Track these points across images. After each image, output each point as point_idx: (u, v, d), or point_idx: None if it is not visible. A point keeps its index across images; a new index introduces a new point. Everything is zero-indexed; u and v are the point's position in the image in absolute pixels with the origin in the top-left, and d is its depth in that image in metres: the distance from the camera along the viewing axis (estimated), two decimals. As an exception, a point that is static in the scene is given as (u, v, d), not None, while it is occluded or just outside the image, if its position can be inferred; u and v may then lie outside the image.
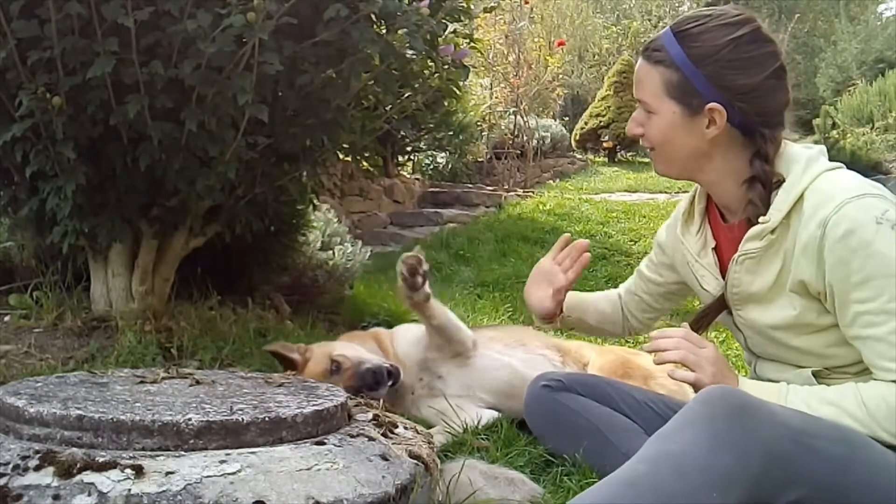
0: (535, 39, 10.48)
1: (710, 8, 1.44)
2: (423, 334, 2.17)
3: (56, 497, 1.07)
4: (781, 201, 1.36)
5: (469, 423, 1.99)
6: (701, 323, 1.60)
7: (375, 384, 1.96)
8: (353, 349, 2.10)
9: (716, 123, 1.39)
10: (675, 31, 1.41)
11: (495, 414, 2.07)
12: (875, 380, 1.30)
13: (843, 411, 1.28)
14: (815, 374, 1.41)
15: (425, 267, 1.98)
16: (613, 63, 12.82)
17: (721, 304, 1.55)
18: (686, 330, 1.44)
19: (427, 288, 2.02)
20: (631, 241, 5.69)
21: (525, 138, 9.35)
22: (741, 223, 1.45)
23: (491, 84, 9.74)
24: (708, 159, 1.44)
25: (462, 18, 2.33)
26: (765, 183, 1.40)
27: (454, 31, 2.36)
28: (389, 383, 1.99)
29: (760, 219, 1.39)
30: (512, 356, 2.20)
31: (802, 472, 1.12)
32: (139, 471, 1.10)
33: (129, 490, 1.07)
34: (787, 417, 1.19)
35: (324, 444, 1.29)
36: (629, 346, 3.07)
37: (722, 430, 1.09)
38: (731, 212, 1.51)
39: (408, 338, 2.22)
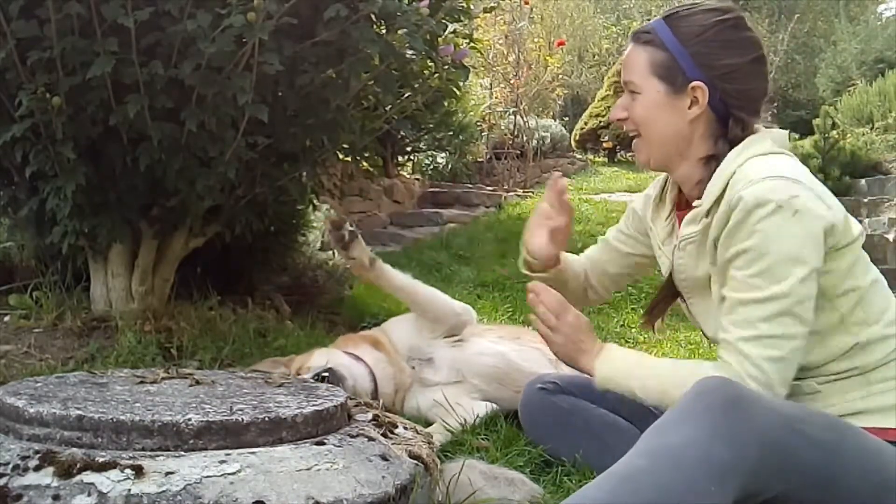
0: (535, 39, 10.47)
1: None
2: (414, 318, 2.17)
3: (56, 497, 1.07)
4: (713, 184, 1.40)
5: (465, 416, 1.98)
6: (654, 311, 1.67)
7: None
8: (323, 359, 2.00)
9: (698, 102, 1.42)
10: (664, 16, 1.48)
11: (492, 406, 2.07)
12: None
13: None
14: None
15: (350, 227, 2.02)
16: (613, 63, 12.80)
17: (671, 291, 1.59)
18: (553, 297, 1.53)
19: (360, 251, 2.05)
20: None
21: (525, 138, 9.35)
22: None
23: (491, 84, 9.72)
24: (687, 143, 1.46)
25: (462, 18, 2.33)
26: (720, 161, 1.42)
27: (454, 31, 2.36)
28: None
29: (694, 202, 1.43)
30: (505, 346, 2.19)
31: (795, 459, 1.14)
32: (139, 471, 1.10)
33: (129, 490, 1.07)
34: (780, 406, 1.20)
35: (324, 444, 1.29)
36: (629, 346, 3.07)
37: (719, 421, 1.09)
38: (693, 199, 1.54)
39: (399, 324, 2.22)
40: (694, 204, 1.44)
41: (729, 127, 1.43)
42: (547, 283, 1.63)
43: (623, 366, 1.46)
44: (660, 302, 1.66)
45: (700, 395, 1.14)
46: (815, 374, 1.37)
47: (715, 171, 1.41)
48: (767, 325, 1.29)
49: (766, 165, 1.34)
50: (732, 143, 1.42)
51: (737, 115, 1.42)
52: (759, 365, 1.28)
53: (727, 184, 1.37)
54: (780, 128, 1.55)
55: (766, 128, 1.49)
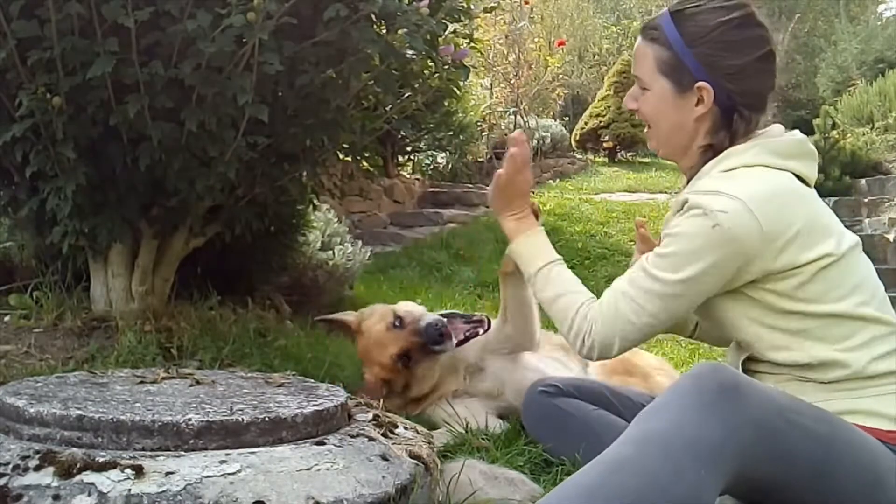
0: (535, 39, 10.47)
1: None
2: (497, 329, 2.14)
3: (56, 497, 1.07)
4: (688, 188, 1.46)
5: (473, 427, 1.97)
6: None
7: (440, 337, 1.94)
8: (418, 307, 2.11)
9: (703, 102, 1.44)
10: (671, 12, 1.48)
11: (505, 423, 2.05)
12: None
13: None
14: (746, 360, 1.43)
15: None
16: (613, 63, 12.79)
17: None
18: (527, 152, 1.66)
19: None
20: (631, 241, 5.69)
21: (525, 138, 9.34)
22: None
23: (491, 84, 9.73)
24: (692, 137, 1.49)
25: (462, 18, 2.33)
26: (717, 153, 1.46)
27: (454, 31, 2.36)
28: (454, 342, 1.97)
29: (673, 198, 1.51)
30: (546, 364, 2.17)
31: (788, 446, 1.13)
32: (139, 471, 1.11)
33: (129, 490, 1.07)
34: (774, 394, 1.20)
35: (324, 444, 1.29)
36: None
37: (710, 403, 1.08)
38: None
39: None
40: (670, 204, 1.50)
41: (733, 121, 1.45)
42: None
43: (536, 251, 1.61)
44: None
45: (693, 380, 1.13)
46: (775, 374, 1.39)
47: (710, 160, 1.46)
48: (643, 294, 1.40)
49: (721, 182, 1.39)
50: (733, 136, 1.45)
51: (742, 111, 1.44)
52: (613, 316, 1.42)
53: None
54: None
55: (775, 125, 1.50)
